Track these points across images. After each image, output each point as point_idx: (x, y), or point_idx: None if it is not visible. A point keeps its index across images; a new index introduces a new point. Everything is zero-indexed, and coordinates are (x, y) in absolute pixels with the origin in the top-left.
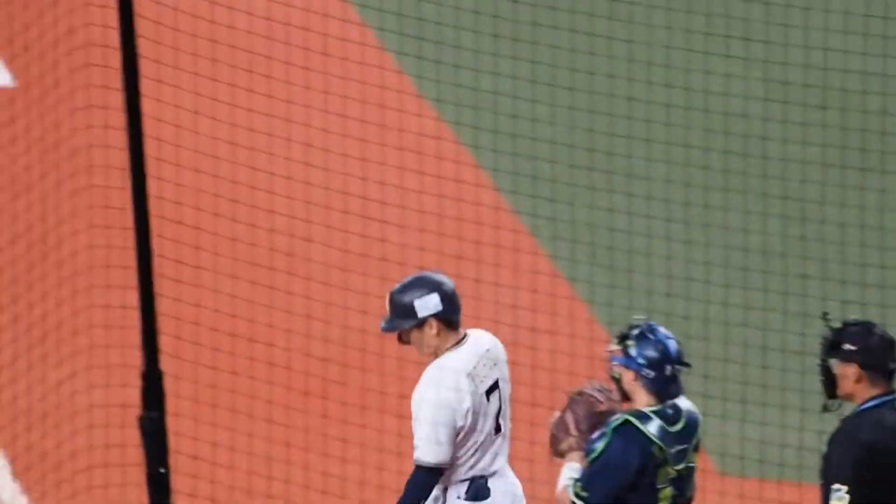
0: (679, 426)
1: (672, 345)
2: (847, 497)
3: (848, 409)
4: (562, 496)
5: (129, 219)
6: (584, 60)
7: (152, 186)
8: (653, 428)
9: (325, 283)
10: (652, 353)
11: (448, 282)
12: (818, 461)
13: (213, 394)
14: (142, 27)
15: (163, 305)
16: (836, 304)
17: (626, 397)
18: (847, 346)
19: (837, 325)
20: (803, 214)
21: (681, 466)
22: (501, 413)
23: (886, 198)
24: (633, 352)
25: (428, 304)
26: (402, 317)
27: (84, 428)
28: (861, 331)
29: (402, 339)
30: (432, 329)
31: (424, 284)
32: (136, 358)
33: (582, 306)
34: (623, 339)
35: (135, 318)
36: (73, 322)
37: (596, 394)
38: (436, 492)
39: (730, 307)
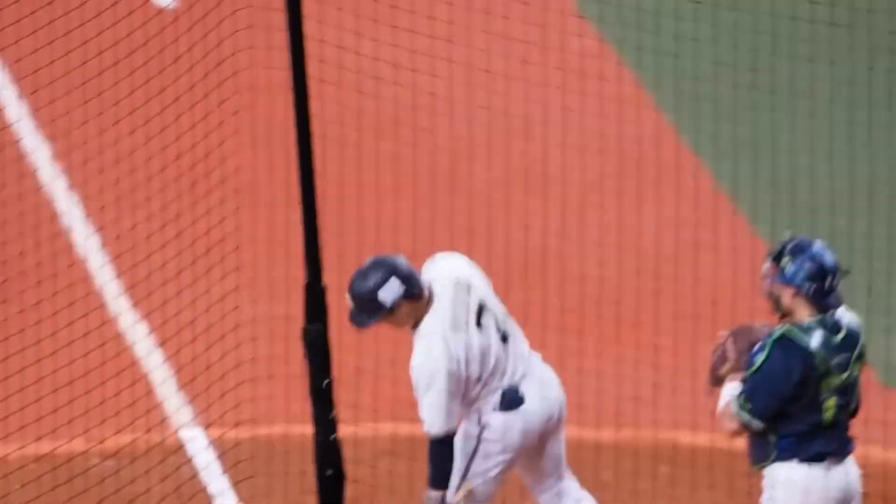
0: (840, 336)
1: (828, 256)
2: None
3: None
4: (724, 413)
5: (291, 137)
6: None
7: (314, 106)
8: (814, 339)
9: (487, 201)
10: (809, 266)
11: (399, 259)
12: None
13: None
14: None
15: (325, 221)
16: None
17: (785, 315)
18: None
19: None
20: None
21: (844, 376)
22: (499, 322)
23: None
24: (790, 269)
25: (391, 291)
26: (370, 311)
27: (248, 340)
28: (798, 247)
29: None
30: (402, 309)
31: (380, 271)
32: (298, 272)
33: (744, 223)
34: (778, 257)
35: (298, 234)
36: (236, 236)
37: (759, 326)
38: (472, 412)
39: (894, 222)
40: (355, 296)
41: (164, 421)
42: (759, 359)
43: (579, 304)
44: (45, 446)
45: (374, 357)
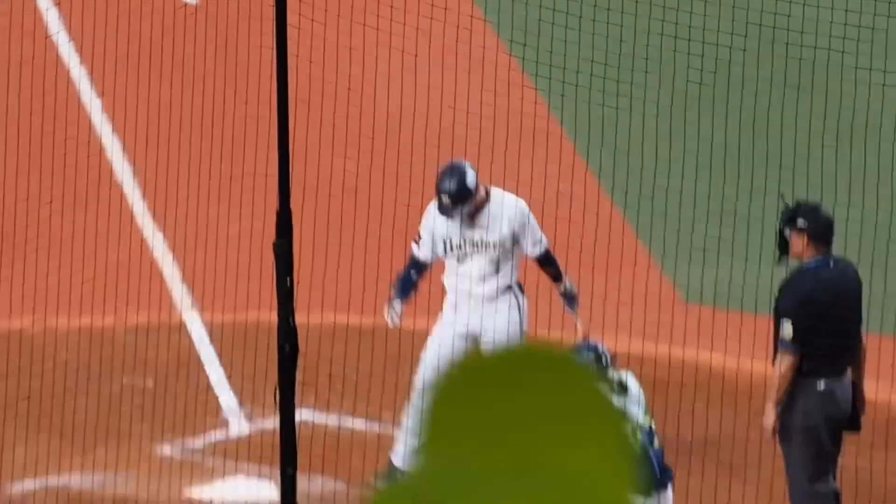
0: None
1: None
2: (791, 328)
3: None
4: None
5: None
6: None
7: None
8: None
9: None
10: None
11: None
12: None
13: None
14: None
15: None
16: None
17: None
18: (800, 221)
19: (790, 202)
20: None
21: None
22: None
23: None
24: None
25: (473, 177)
26: (465, 198)
27: (234, 250)
28: (811, 209)
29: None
30: (481, 190)
31: (458, 168)
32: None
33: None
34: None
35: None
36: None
37: None
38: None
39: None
40: (454, 190)
41: (170, 305)
42: None
43: None
44: (85, 320)
45: (323, 263)
